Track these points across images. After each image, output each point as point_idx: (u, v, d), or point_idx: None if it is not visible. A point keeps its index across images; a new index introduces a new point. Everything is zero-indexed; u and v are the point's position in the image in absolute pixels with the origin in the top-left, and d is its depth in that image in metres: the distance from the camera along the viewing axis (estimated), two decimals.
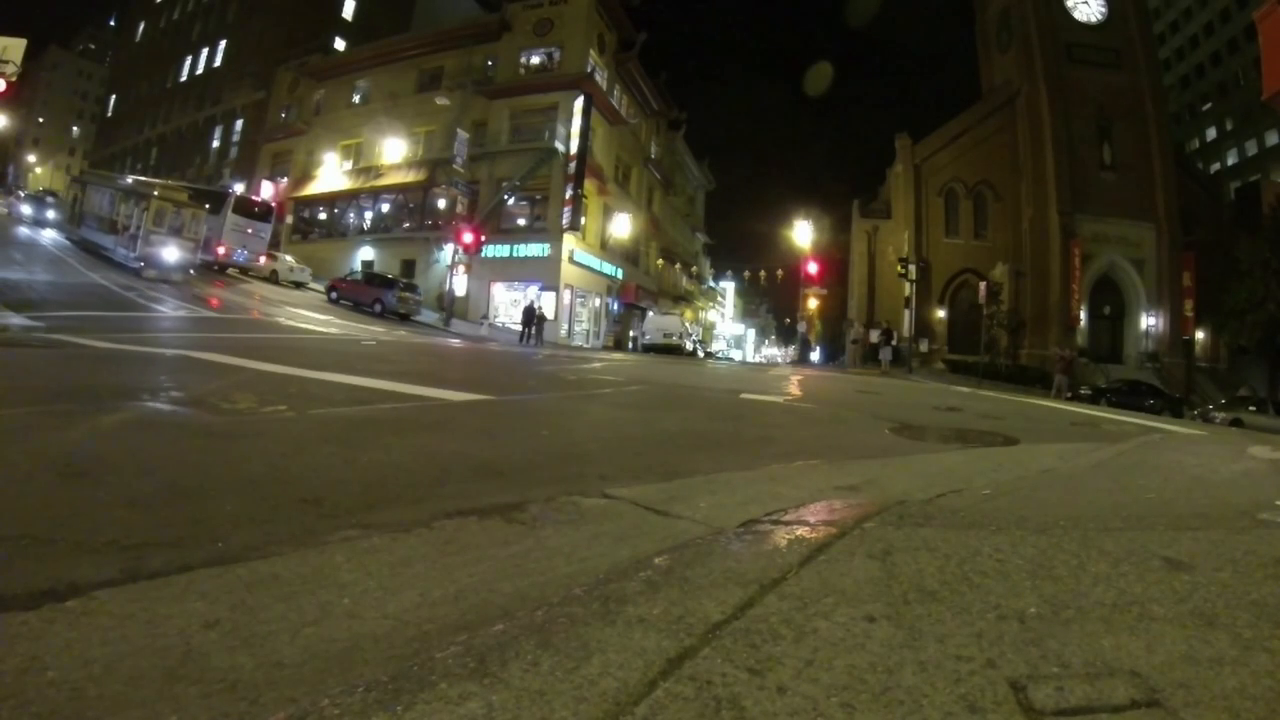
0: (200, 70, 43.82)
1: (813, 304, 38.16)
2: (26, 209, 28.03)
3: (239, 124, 38.82)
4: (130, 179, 23.02)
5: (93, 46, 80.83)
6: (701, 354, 29.44)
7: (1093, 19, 34.48)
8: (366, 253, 28.66)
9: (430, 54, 30.28)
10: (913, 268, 28.17)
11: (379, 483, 2.22)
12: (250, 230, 23.37)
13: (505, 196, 26.12)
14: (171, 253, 17.88)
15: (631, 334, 30.07)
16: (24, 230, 23.32)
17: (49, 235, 22.88)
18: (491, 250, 25.36)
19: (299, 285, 24.51)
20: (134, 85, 48.93)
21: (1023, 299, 31.79)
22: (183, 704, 0.90)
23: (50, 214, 27.23)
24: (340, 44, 37.97)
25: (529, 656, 0.90)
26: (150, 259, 17.43)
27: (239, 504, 1.85)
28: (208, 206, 20.51)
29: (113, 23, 69.31)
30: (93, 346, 5.86)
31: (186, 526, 1.64)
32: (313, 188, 31.62)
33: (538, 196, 25.99)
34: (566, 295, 25.93)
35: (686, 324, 29.15)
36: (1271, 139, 46.50)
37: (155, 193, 18.36)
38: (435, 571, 1.45)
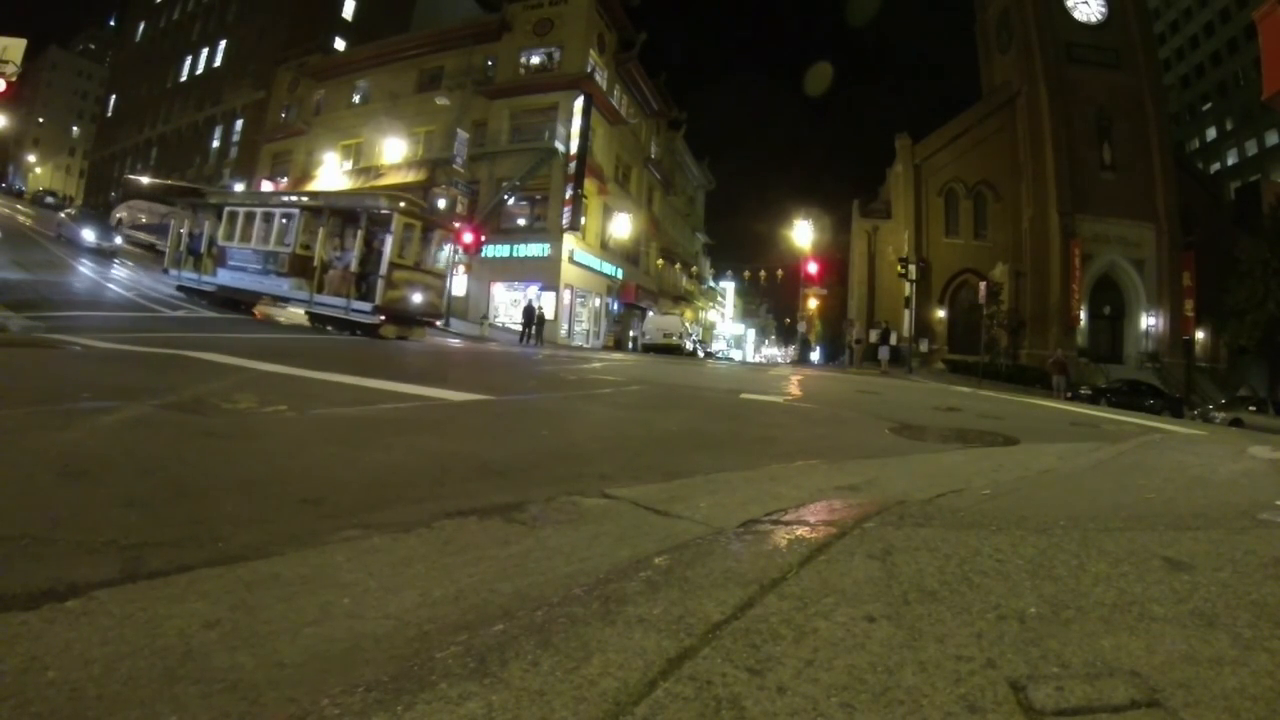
0: (200, 70, 43.86)
1: (813, 304, 38.25)
2: (88, 234, 20.37)
3: (239, 124, 38.84)
4: (321, 191, 16.89)
5: (93, 46, 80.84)
6: (701, 354, 29.45)
7: (1093, 19, 34.51)
8: None
9: (430, 54, 30.28)
10: (913, 268, 28.21)
11: (379, 483, 2.22)
12: None
13: (505, 196, 26.14)
14: (419, 297, 12.52)
15: (631, 334, 30.08)
16: (121, 285, 14.96)
17: (161, 287, 15.18)
18: (491, 250, 25.38)
19: None
20: (134, 85, 48.94)
21: (1023, 299, 31.82)
22: (183, 704, 0.90)
23: (119, 240, 21.26)
24: (340, 44, 37.97)
25: (529, 656, 0.90)
26: (394, 308, 11.83)
27: (239, 504, 1.85)
28: (458, 225, 15.02)
29: (113, 23, 69.35)
30: (93, 346, 5.86)
31: (186, 526, 1.63)
32: (313, 187, 31.66)
33: (538, 196, 26.01)
34: (566, 295, 25.94)
35: (686, 324, 29.18)
36: (1271, 139, 46.52)
37: (401, 205, 12.08)
38: (435, 571, 1.45)
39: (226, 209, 14.85)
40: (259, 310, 14.71)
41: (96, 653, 1.01)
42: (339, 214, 13.27)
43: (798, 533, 1.55)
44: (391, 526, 1.72)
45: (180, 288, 15.27)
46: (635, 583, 1.20)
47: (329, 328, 12.28)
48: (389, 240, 11.84)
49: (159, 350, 5.97)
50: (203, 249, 15.00)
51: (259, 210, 14.23)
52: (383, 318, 11.77)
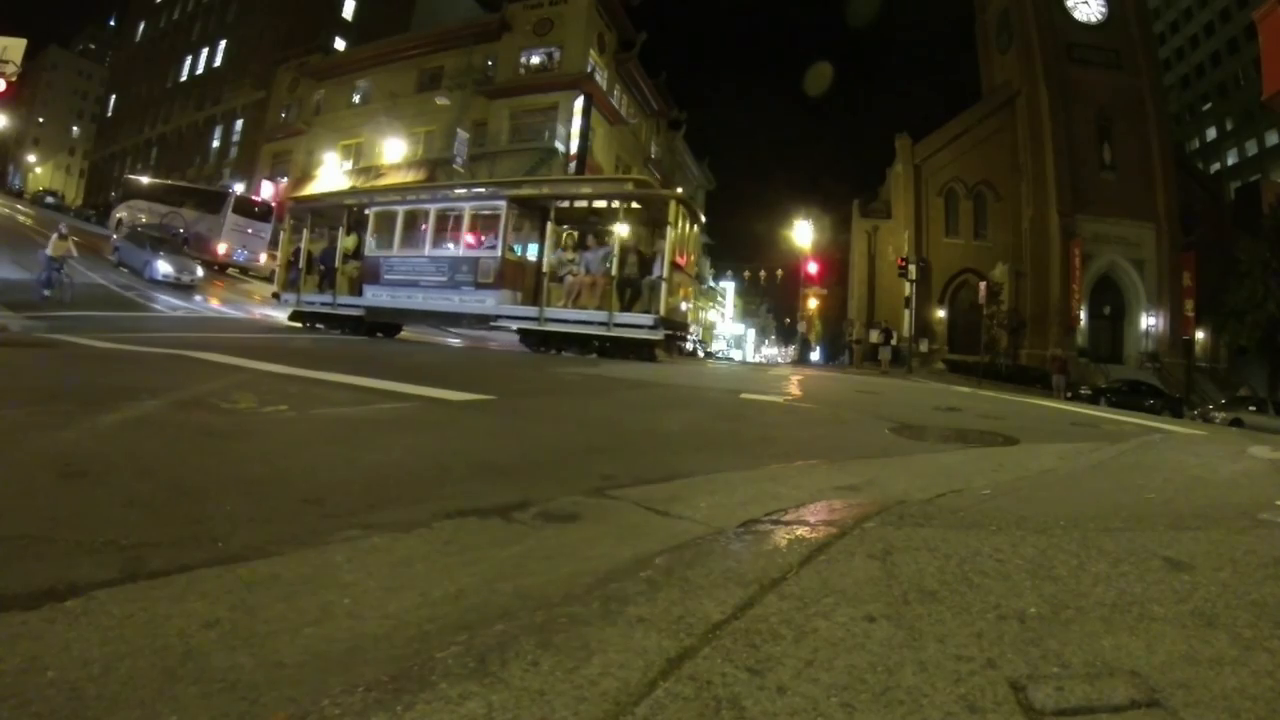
0: (200, 70, 43.92)
1: (813, 304, 38.25)
2: (164, 265, 16.07)
3: (239, 124, 38.90)
4: (538, 179, 13.48)
5: (93, 46, 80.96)
6: (701, 354, 29.43)
7: (1093, 19, 34.54)
8: None
9: (430, 54, 30.35)
10: (913, 268, 28.22)
11: (380, 483, 2.22)
12: (250, 230, 23.37)
13: None
14: (684, 306, 10.51)
15: None
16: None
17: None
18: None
19: None
20: (134, 85, 49.00)
21: (1023, 299, 31.85)
22: (183, 704, 0.90)
23: (200, 272, 17.23)
24: (340, 44, 38.03)
25: (529, 656, 0.90)
26: (672, 320, 9.94)
27: (239, 504, 1.85)
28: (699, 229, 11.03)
29: (113, 23, 69.43)
30: (94, 346, 5.86)
31: (186, 526, 1.63)
32: (313, 188, 31.69)
33: None
34: None
35: None
36: (1271, 139, 46.55)
37: (678, 191, 10.01)
38: (436, 571, 1.45)
39: (373, 210, 11.70)
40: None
41: (96, 653, 1.01)
42: (569, 205, 10.57)
43: (798, 533, 1.55)
44: (391, 526, 1.72)
45: (297, 315, 12.47)
46: (636, 583, 1.20)
47: (559, 350, 10.06)
48: (668, 236, 9.65)
49: (159, 350, 5.97)
50: (336, 264, 11.99)
51: (432, 208, 11.13)
52: (666, 333, 9.60)
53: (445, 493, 2.15)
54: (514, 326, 10.51)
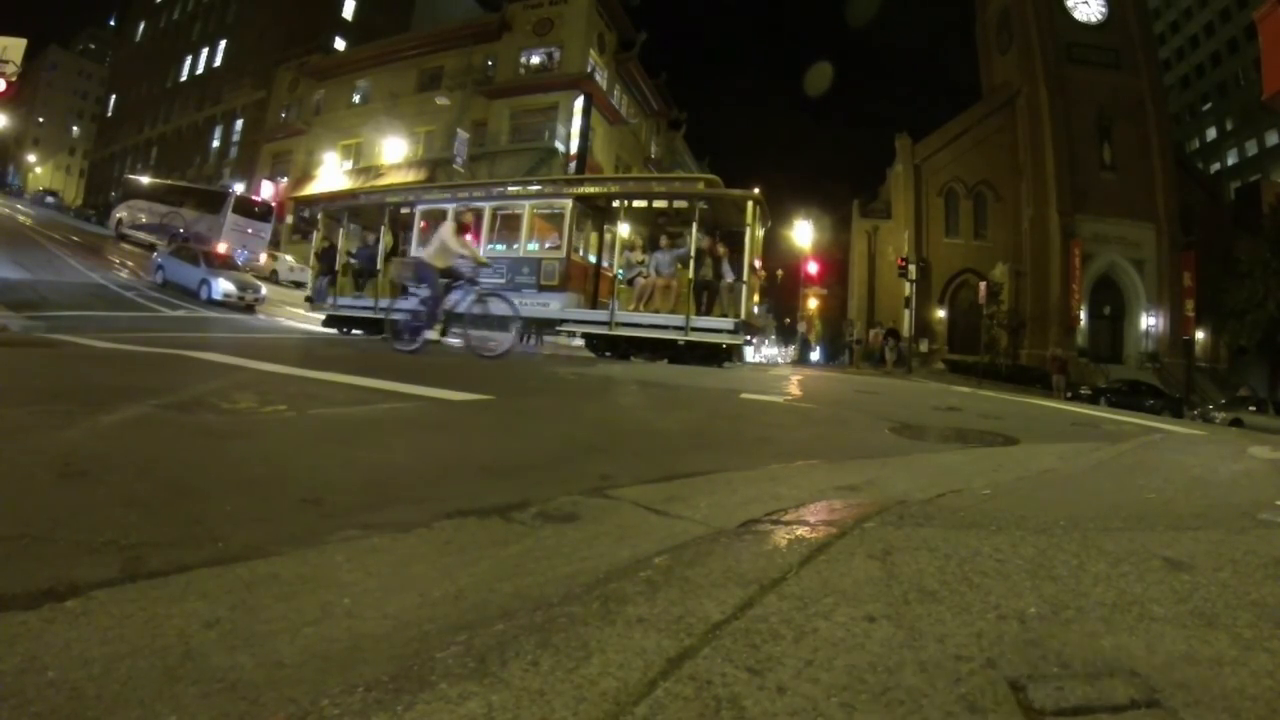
0: (200, 70, 44.00)
1: (813, 304, 38.24)
2: (224, 284, 14.26)
3: (239, 124, 38.96)
4: (606, 177, 13.67)
5: (93, 46, 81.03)
6: None
7: (1093, 19, 34.57)
8: None
9: (430, 54, 30.40)
10: (913, 268, 28.25)
11: (379, 483, 2.22)
12: (250, 230, 23.39)
13: None
14: (756, 311, 10.30)
15: None
16: None
17: None
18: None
19: (299, 285, 24.55)
20: (134, 85, 49.05)
21: (1023, 299, 31.88)
22: (182, 704, 0.90)
23: (264, 291, 15.20)
24: (340, 44, 38.09)
25: (529, 656, 0.90)
26: (753, 325, 9.87)
27: (239, 504, 1.85)
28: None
29: (113, 23, 69.48)
30: (93, 346, 5.86)
31: (186, 526, 1.63)
32: (313, 187, 31.71)
33: None
34: None
35: None
36: (1271, 139, 46.58)
37: (755, 192, 9.74)
38: (435, 571, 1.45)
39: (420, 208, 10.96)
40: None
41: (96, 653, 1.01)
42: (630, 205, 10.08)
43: (798, 533, 1.55)
44: (391, 526, 1.72)
45: (332, 320, 11.73)
46: (635, 582, 1.20)
47: (626, 356, 9.66)
48: (748, 236, 9.37)
49: (159, 350, 5.97)
50: (379, 266, 11.34)
51: (487, 205, 10.55)
52: (748, 338, 9.50)
53: (444, 492, 2.14)
54: (580, 331, 10.07)
